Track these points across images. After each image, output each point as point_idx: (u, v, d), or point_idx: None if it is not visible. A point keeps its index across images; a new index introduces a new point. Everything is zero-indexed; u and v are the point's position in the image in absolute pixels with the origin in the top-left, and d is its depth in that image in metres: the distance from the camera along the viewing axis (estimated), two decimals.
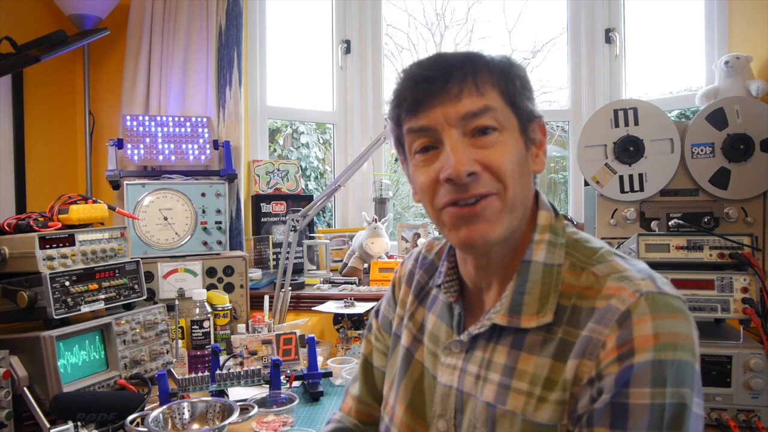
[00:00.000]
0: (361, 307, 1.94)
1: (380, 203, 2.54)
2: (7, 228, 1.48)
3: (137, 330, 1.58)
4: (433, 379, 0.81)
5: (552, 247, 0.75)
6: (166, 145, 2.15)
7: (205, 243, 2.06)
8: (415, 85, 0.72)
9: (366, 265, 2.30)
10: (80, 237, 1.52)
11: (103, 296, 1.52)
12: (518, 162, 0.73)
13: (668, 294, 0.66)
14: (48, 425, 1.27)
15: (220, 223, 2.08)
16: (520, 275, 0.74)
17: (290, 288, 2.02)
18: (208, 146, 2.20)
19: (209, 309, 1.75)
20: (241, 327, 1.90)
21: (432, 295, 0.90)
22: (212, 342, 1.71)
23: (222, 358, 1.64)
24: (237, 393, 1.54)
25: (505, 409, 0.70)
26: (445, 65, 0.72)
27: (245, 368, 1.51)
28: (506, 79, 0.74)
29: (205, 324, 1.70)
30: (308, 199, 2.43)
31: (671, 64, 2.51)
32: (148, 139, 2.13)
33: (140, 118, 2.14)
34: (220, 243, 2.08)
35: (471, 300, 0.84)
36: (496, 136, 0.72)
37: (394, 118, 0.77)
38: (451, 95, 0.71)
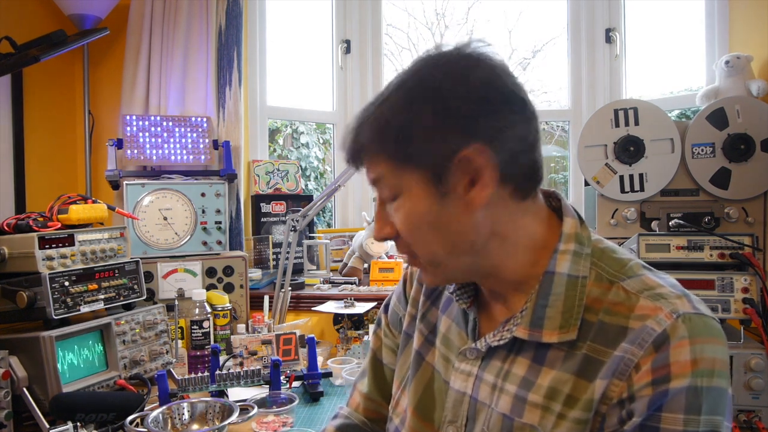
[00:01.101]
0: (361, 307, 1.94)
1: None
2: (6, 228, 1.47)
3: (137, 330, 1.58)
4: (445, 384, 0.80)
5: (577, 258, 0.71)
6: (165, 145, 2.15)
7: (204, 243, 2.06)
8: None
9: (366, 265, 2.30)
10: (80, 237, 1.52)
11: (102, 296, 1.52)
12: (428, 220, 0.70)
13: (704, 315, 0.64)
14: (47, 425, 1.27)
15: (220, 223, 2.08)
16: (543, 287, 0.70)
17: (290, 288, 2.02)
18: (208, 146, 2.20)
19: (209, 309, 1.75)
20: (241, 327, 1.90)
21: (446, 296, 0.88)
22: (212, 342, 1.71)
23: (222, 358, 1.63)
24: (237, 393, 1.54)
25: (524, 422, 0.68)
26: (345, 140, 0.75)
27: (245, 368, 1.51)
28: (389, 144, 0.69)
29: (205, 324, 1.70)
30: (308, 199, 2.43)
31: (671, 64, 2.51)
32: (148, 139, 2.13)
33: (140, 118, 2.14)
34: (219, 243, 2.08)
35: (486, 304, 0.81)
36: (399, 202, 0.72)
37: None
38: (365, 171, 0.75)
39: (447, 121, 0.66)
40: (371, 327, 1.95)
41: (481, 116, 0.66)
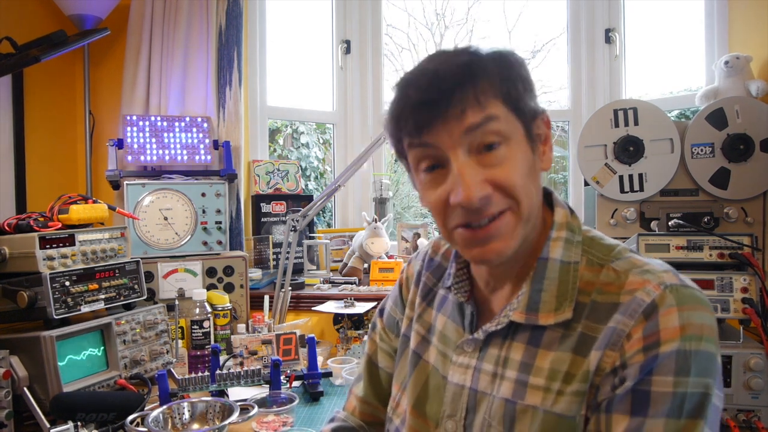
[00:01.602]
0: (361, 307, 1.94)
1: (380, 203, 2.54)
2: (7, 228, 1.48)
3: (137, 330, 1.58)
4: (443, 380, 0.81)
5: (569, 245, 0.74)
6: (165, 145, 2.15)
7: (205, 243, 2.06)
8: (415, 109, 0.69)
9: (366, 265, 2.30)
10: (80, 237, 1.52)
11: (103, 296, 1.52)
12: (528, 173, 0.71)
13: (690, 287, 0.67)
14: (48, 425, 1.27)
15: (220, 223, 2.08)
16: (537, 273, 0.74)
17: (290, 288, 2.02)
18: (208, 146, 2.20)
19: (209, 309, 1.75)
20: (241, 327, 1.90)
21: (440, 296, 0.89)
22: (212, 342, 1.71)
23: (222, 358, 1.64)
24: (237, 393, 1.54)
25: (526, 404, 0.70)
26: (444, 87, 0.68)
27: (245, 368, 1.51)
28: (508, 85, 0.70)
29: (205, 324, 1.70)
30: (308, 199, 2.43)
31: (671, 64, 2.52)
32: (148, 139, 2.13)
33: (140, 118, 2.14)
34: (220, 243, 2.08)
35: (482, 299, 0.83)
36: (503, 151, 0.69)
37: (394, 135, 0.75)
38: (455, 115, 0.68)
39: (534, 90, 0.75)
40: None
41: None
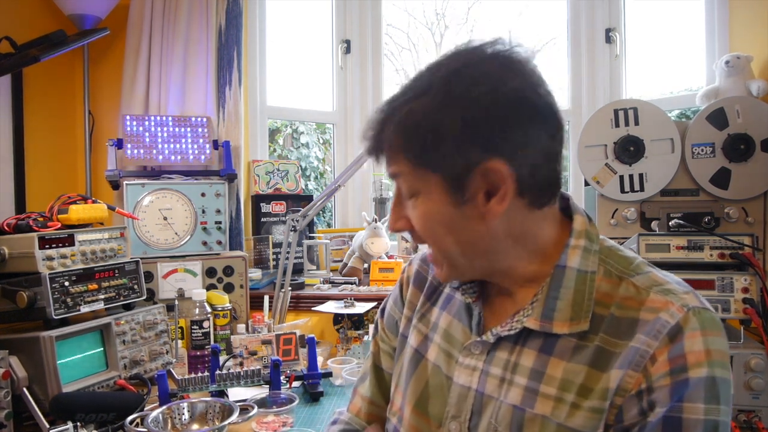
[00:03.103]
0: (361, 307, 1.94)
1: (380, 203, 2.54)
2: (6, 228, 1.47)
3: (137, 330, 1.58)
4: (447, 379, 0.80)
5: (587, 254, 0.73)
6: (165, 145, 2.15)
7: (204, 243, 2.06)
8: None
9: (366, 265, 2.30)
10: (80, 237, 1.52)
11: (102, 296, 1.52)
12: (444, 223, 0.71)
13: (710, 310, 0.68)
14: (47, 425, 1.27)
15: (220, 223, 2.08)
16: (554, 280, 0.72)
17: (290, 288, 2.02)
18: (208, 146, 2.20)
19: (209, 309, 1.75)
20: (241, 327, 1.90)
21: (446, 294, 0.88)
22: (212, 342, 1.71)
23: (222, 358, 1.63)
24: (237, 393, 1.54)
25: (535, 413, 0.69)
26: (367, 136, 0.74)
27: (245, 368, 1.51)
28: (413, 140, 0.68)
29: (205, 324, 1.70)
30: (308, 199, 2.43)
31: (671, 63, 2.51)
32: (148, 139, 2.13)
33: (140, 118, 2.14)
34: (219, 243, 2.08)
35: (491, 300, 0.82)
36: (415, 202, 0.73)
37: None
38: (381, 161, 0.74)
39: (474, 132, 0.65)
40: (371, 327, 1.95)
41: (507, 130, 0.66)
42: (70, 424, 1.23)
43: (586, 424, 0.66)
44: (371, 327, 1.94)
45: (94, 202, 1.59)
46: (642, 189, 1.75)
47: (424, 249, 0.99)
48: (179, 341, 1.79)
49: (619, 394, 0.66)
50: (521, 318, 0.74)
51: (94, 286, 1.50)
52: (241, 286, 2.05)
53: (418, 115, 0.67)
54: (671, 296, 0.68)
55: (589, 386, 0.67)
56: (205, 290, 1.79)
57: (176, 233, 2.03)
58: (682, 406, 0.63)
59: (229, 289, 2.02)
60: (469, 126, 0.65)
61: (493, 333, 0.76)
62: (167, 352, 1.66)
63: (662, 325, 0.66)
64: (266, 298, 2.00)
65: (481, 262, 0.75)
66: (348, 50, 2.61)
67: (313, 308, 2.03)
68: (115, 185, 2.07)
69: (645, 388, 0.65)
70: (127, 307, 1.61)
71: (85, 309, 1.47)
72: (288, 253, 1.97)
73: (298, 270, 2.31)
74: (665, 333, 0.65)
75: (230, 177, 2.14)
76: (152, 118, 2.15)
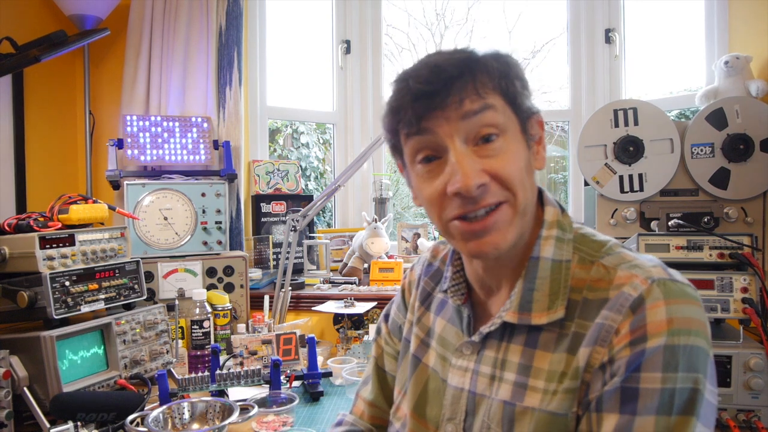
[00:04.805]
0: (361, 307, 1.94)
1: (380, 203, 2.54)
2: (7, 228, 1.48)
3: (137, 330, 1.58)
4: (442, 383, 0.81)
5: (560, 243, 0.74)
6: (166, 145, 2.15)
7: (205, 243, 2.06)
8: (415, 100, 0.70)
9: (366, 265, 2.30)
10: (80, 237, 1.52)
11: (103, 296, 1.52)
12: (524, 166, 0.72)
13: (680, 281, 0.67)
14: (48, 425, 1.27)
15: (220, 223, 2.08)
16: (529, 272, 0.73)
17: (290, 288, 2.02)
18: (208, 146, 2.20)
19: (209, 309, 1.75)
20: (241, 327, 1.90)
21: (439, 299, 0.89)
22: (212, 342, 1.71)
23: (222, 358, 1.64)
24: (237, 393, 1.54)
25: (525, 406, 0.70)
26: (444, 77, 0.69)
27: (245, 368, 1.51)
28: (506, 81, 0.72)
29: (205, 324, 1.70)
30: (308, 199, 2.43)
31: (671, 64, 2.51)
32: (148, 139, 2.14)
33: (140, 118, 2.14)
34: (220, 243, 2.08)
35: (479, 301, 0.83)
36: (500, 143, 0.70)
37: (391, 129, 0.75)
38: (453, 105, 0.69)
39: (530, 89, 0.76)
40: (371, 327, 1.95)
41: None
42: (70, 424, 1.23)
43: (562, 406, 0.67)
44: (371, 327, 1.94)
45: (94, 202, 1.59)
46: (641, 189, 1.75)
47: (424, 249, 0.99)
48: (179, 341, 1.79)
49: (587, 371, 0.66)
50: (501, 313, 0.75)
51: (95, 286, 1.50)
52: (242, 286, 2.05)
53: (507, 64, 0.73)
54: (636, 269, 0.68)
55: (566, 371, 0.68)
56: (205, 290, 1.79)
57: (176, 233, 2.03)
58: (639, 375, 0.62)
59: (229, 289, 2.02)
60: (527, 85, 0.76)
61: (479, 332, 0.77)
62: (167, 352, 1.66)
63: (625, 298, 0.66)
64: (266, 298, 2.01)
65: (529, 217, 0.75)
66: (348, 50, 2.61)
67: (313, 308, 2.03)
68: (116, 185, 2.07)
69: (607, 361, 0.65)
70: (128, 307, 1.61)
71: (85, 309, 1.47)
72: (288, 253, 1.98)
73: (298, 270, 2.31)
74: (628, 306, 0.65)
75: (230, 177, 2.14)
76: (152, 118, 2.15)
